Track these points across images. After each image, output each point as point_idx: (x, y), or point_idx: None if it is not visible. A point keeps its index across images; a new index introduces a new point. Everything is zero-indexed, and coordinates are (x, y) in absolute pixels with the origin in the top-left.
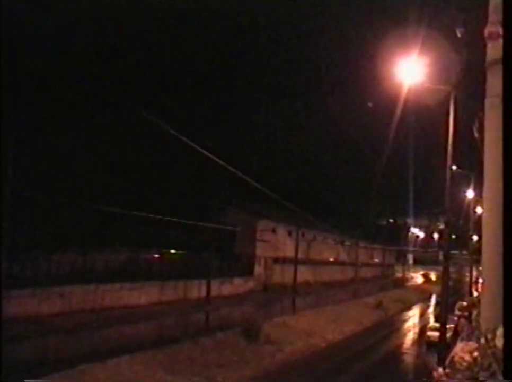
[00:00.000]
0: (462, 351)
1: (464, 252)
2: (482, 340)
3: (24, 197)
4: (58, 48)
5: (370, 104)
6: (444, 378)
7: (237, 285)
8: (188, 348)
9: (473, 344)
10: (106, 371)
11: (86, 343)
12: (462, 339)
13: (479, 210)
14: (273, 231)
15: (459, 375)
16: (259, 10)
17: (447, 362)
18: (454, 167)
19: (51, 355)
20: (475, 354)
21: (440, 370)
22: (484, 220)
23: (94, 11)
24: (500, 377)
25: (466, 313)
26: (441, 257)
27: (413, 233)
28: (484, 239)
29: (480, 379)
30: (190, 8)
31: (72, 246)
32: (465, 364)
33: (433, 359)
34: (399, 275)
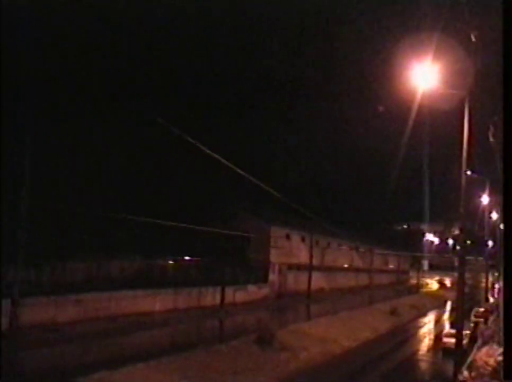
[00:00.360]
0: (486, 355)
1: (480, 257)
2: None
3: (39, 206)
4: (66, 53)
5: (381, 108)
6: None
7: (251, 292)
8: (203, 355)
9: (496, 349)
10: (122, 378)
11: (101, 350)
12: (481, 345)
13: (494, 215)
14: (287, 237)
15: (484, 379)
16: (270, 15)
17: (464, 367)
18: (469, 172)
19: (66, 362)
20: (499, 358)
21: (466, 373)
22: (503, 225)
23: (103, 15)
24: None
25: (483, 319)
26: (456, 263)
27: (427, 239)
28: (504, 243)
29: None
30: (200, 12)
31: (87, 254)
32: (489, 368)
33: (449, 366)
34: (414, 281)
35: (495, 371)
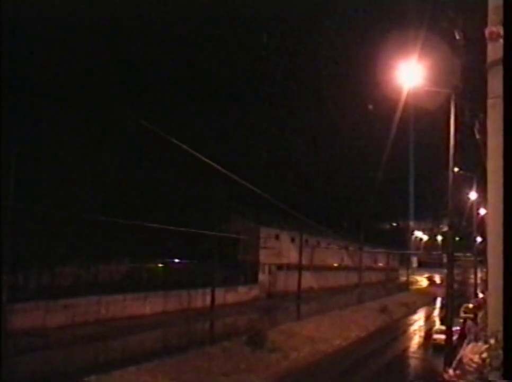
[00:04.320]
0: (471, 352)
1: (468, 254)
2: (492, 341)
3: (26, 210)
4: (57, 55)
5: (370, 107)
6: (454, 379)
7: (241, 293)
8: (194, 357)
9: (481, 345)
10: None
11: (91, 355)
12: (469, 341)
13: (482, 211)
14: (276, 237)
15: (469, 377)
16: (258, 12)
17: (454, 364)
18: (456, 169)
19: (56, 368)
20: (484, 355)
21: (451, 371)
22: (489, 221)
23: (94, 15)
24: None
25: (472, 315)
26: (445, 260)
27: (416, 236)
28: (489, 239)
29: (490, 379)
30: (190, 12)
31: (75, 257)
32: (474, 365)
33: (439, 362)
34: (403, 278)
35: (480, 368)
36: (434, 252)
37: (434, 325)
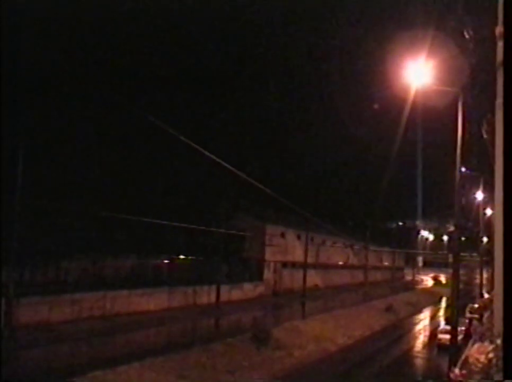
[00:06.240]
0: (477, 352)
1: (474, 254)
2: (498, 342)
3: (32, 205)
4: (60, 50)
5: (376, 106)
6: (460, 379)
7: (247, 290)
8: (199, 353)
9: (487, 345)
10: (117, 378)
11: (96, 350)
12: (475, 341)
13: (488, 211)
14: (282, 235)
15: (475, 377)
16: (265, 9)
17: (459, 364)
18: (463, 169)
19: (61, 362)
20: (490, 355)
21: (457, 371)
22: (495, 221)
23: (96, 11)
24: None
25: (477, 315)
26: (451, 259)
27: (422, 236)
28: (496, 239)
29: (496, 379)
30: (192, 6)
31: (81, 253)
32: (480, 365)
33: (444, 362)
34: (409, 277)
35: (486, 368)
36: (440, 252)
37: (439, 325)
